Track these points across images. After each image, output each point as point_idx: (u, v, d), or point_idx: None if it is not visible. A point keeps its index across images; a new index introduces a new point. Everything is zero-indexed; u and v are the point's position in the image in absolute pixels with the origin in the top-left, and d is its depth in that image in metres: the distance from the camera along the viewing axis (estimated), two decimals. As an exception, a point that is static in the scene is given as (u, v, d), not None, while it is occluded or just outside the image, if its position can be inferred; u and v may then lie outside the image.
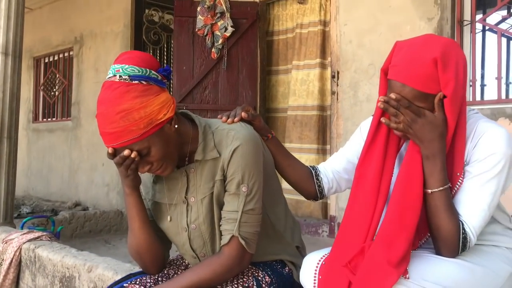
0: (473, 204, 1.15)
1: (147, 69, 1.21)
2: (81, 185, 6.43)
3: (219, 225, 1.32)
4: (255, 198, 1.28)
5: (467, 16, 3.41)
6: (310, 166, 1.55)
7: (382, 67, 1.23)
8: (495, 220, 1.26)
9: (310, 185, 1.50)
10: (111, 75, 1.21)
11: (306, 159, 4.48)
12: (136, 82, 1.19)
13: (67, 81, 6.95)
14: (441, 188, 1.14)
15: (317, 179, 1.50)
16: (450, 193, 1.15)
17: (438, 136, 1.15)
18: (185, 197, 1.35)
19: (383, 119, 1.18)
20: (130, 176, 1.29)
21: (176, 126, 1.28)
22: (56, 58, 7.22)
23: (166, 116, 1.22)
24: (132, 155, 1.21)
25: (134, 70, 1.19)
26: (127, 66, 1.19)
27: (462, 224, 1.13)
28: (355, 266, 1.13)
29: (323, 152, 4.50)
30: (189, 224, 1.35)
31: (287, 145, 4.76)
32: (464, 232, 1.13)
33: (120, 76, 1.19)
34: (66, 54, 7.00)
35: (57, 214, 5.00)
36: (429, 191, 1.14)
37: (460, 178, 1.17)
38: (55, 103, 7.31)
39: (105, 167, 6.00)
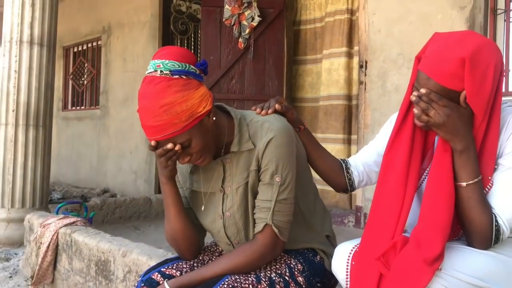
0: (506, 197, 1.15)
1: (187, 64, 1.25)
2: (109, 172, 6.59)
3: (253, 214, 1.35)
4: (288, 188, 1.32)
5: (501, 4, 3.33)
6: (341, 159, 1.57)
7: (417, 55, 1.24)
8: None
9: (341, 177, 1.53)
10: (151, 70, 1.24)
11: (331, 149, 4.48)
12: (177, 76, 1.23)
13: (96, 70, 7.09)
14: (476, 180, 1.14)
15: (348, 171, 1.52)
16: (482, 186, 1.16)
17: (469, 129, 1.15)
18: (221, 186, 1.40)
19: (415, 110, 1.18)
20: (169, 167, 1.33)
21: (214, 118, 1.32)
22: (84, 47, 7.37)
23: (205, 109, 1.26)
24: (176, 148, 1.26)
25: (174, 65, 1.23)
26: (167, 61, 1.23)
27: (495, 217, 1.14)
28: (388, 260, 1.15)
29: (348, 142, 4.49)
30: (224, 212, 1.40)
31: (314, 135, 4.76)
32: (497, 225, 1.13)
33: (161, 71, 1.22)
34: (94, 44, 7.13)
35: (86, 200, 5.15)
36: (464, 183, 1.15)
37: (490, 182, 1.17)
38: (84, 92, 7.47)
39: (133, 155, 6.13)
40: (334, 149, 4.45)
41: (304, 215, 1.45)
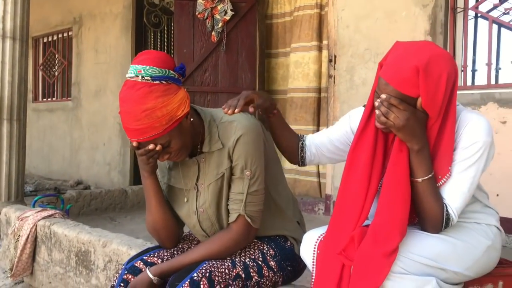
0: (455, 188, 1.30)
1: (167, 70, 1.34)
2: (82, 164, 6.58)
3: (227, 206, 1.48)
4: (258, 181, 1.45)
5: (460, 3, 3.52)
6: (300, 136, 1.71)
7: (380, 62, 1.36)
8: (476, 199, 1.42)
9: (295, 154, 1.69)
10: (132, 74, 1.32)
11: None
12: (157, 82, 1.32)
13: (67, 61, 7.01)
14: (430, 175, 1.29)
15: (302, 150, 1.68)
16: (435, 180, 1.30)
17: (425, 131, 1.29)
18: (195, 184, 1.51)
19: (377, 112, 1.30)
20: (150, 164, 1.44)
21: (191, 119, 1.43)
22: (55, 38, 7.26)
23: (183, 112, 1.37)
24: (157, 148, 1.36)
25: (155, 71, 1.32)
26: (148, 67, 1.31)
27: (446, 206, 1.29)
28: (348, 254, 1.28)
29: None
30: (197, 208, 1.51)
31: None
32: (448, 213, 1.29)
33: (142, 77, 1.31)
34: (65, 35, 7.04)
35: (60, 192, 5.15)
36: (420, 179, 1.28)
37: (449, 173, 1.30)
38: (55, 83, 7.38)
39: (106, 146, 6.14)
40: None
41: (276, 203, 1.58)
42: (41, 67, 7.55)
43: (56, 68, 7.36)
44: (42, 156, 7.37)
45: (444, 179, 1.30)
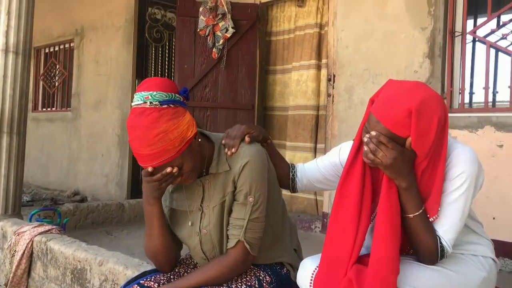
0: (446, 220, 1.32)
1: (173, 94, 1.37)
2: (80, 175, 6.57)
3: (227, 230, 1.49)
4: (260, 208, 1.46)
5: (458, 27, 3.57)
6: (291, 166, 1.73)
7: (371, 97, 1.38)
8: (470, 229, 1.44)
9: (286, 183, 1.73)
10: (140, 101, 1.34)
11: (299, 157, 4.67)
12: (166, 106, 1.34)
13: (67, 72, 7.05)
14: (420, 211, 1.30)
15: (292, 181, 1.72)
16: (426, 214, 1.32)
17: (412, 170, 1.31)
18: (200, 205, 1.53)
19: (365, 148, 1.31)
20: (161, 189, 1.44)
21: (199, 140, 1.45)
22: (56, 49, 7.30)
23: (192, 133, 1.39)
24: (174, 171, 1.37)
25: (162, 96, 1.34)
26: (155, 92, 1.34)
27: (439, 239, 1.31)
28: None
29: (316, 151, 4.68)
30: (201, 229, 1.52)
31: (283, 142, 4.94)
32: (442, 245, 1.30)
33: (150, 103, 1.33)
34: (66, 46, 7.08)
35: (57, 203, 5.14)
36: (411, 215, 1.30)
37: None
38: (55, 93, 7.41)
39: (105, 158, 6.14)
40: (302, 157, 4.64)
41: (274, 231, 1.59)
42: (41, 77, 7.59)
43: (56, 79, 7.39)
44: (40, 165, 7.37)
45: (435, 216, 1.32)
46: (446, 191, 1.32)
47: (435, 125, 1.25)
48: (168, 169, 1.37)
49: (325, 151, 4.39)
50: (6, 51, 3.27)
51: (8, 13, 3.28)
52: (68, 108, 6.99)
